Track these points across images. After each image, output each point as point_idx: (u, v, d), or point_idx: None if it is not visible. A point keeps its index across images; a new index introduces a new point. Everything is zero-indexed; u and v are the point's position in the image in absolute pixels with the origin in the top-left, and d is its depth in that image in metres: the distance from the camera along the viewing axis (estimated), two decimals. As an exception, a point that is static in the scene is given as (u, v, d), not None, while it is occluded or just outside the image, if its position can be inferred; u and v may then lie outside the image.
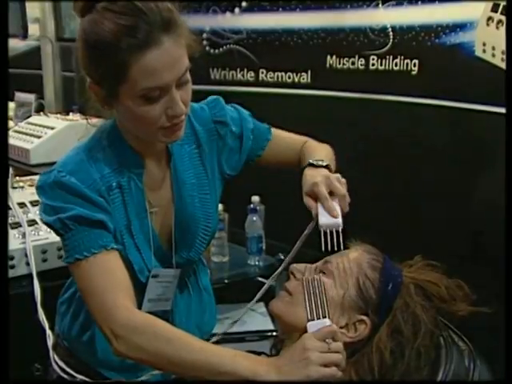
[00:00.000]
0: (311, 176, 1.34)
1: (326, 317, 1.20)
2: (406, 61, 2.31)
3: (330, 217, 1.25)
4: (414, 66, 2.28)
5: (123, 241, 1.33)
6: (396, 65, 2.34)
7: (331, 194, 1.29)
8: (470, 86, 2.12)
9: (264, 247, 2.64)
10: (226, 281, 2.52)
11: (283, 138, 1.57)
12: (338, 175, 1.33)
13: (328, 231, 1.25)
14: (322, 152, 1.48)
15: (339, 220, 1.25)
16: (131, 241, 1.35)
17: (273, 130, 1.57)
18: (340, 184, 1.30)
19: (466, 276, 1.31)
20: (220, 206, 2.46)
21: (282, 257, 2.51)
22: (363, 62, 2.45)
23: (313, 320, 1.20)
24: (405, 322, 1.20)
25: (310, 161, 1.40)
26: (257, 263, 2.61)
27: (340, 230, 1.25)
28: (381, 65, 2.39)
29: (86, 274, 1.23)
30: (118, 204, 1.33)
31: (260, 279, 2.63)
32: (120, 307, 1.18)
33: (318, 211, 1.27)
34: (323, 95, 2.64)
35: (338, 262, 1.28)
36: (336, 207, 1.27)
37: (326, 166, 1.38)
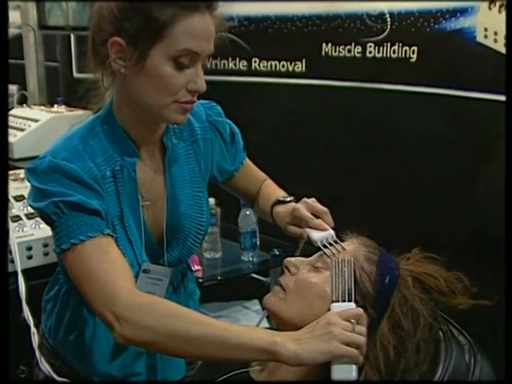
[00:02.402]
0: (285, 209, 1.47)
1: (351, 301, 1.21)
2: (404, 48, 2.32)
3: (320, 231, 1.35)
4: (413, 53, 2.29)
5: (115, 232, 1.34)
6: (394, 52, 2.35)
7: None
8: (471, 73, 2.13)
9: (258, 242, 2.66)
10: (218, 278, 2.53)
11: (252, 168, 1.66)
12: (313, 199, 1.42)
13: (324, 242, 1.32)
14: (281, 192, 1.59)
15: (330, 231, 1.35)
16: (123, 232, 1.37)
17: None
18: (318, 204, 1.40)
19: (467, 268, 1.32)
20: (212, 200, 2.48)
21: (277, 252, 2.53)
22: (360, 49, 2.46)
23: (337, 302, 1.21)
24: (404, 316, 1.22)
25: (279, 198, 1.52)
26: (251, 259, 2.63)
27: (334, 239, 1.33)
28: (378, 52, 2.41)
29: (83, 258, 1.23)
30: (111, 193, 1.35)
31: (254, 276, 2.65)
32: (122, 289, 1.18)
33: (307, 231, 1.37)
34: (318, 84, 2.65)
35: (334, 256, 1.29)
36: (322, 222, 1.37)
37: (292, 201, 1.50)
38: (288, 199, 1.52)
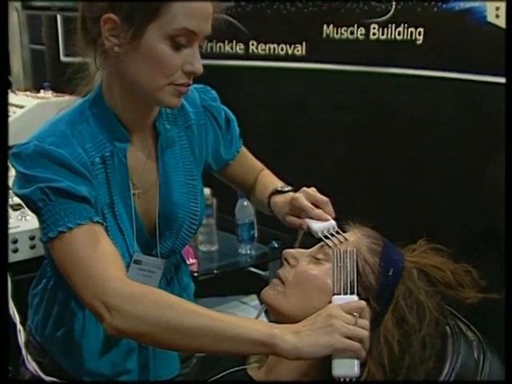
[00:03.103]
0: (283, 198, 1.48)
1: (353, 293, 1.21)
2: (410, 29, 2.31)
3: (321, 222, 1.35)
4: (419, 34, 2.29)
5: (105, 221, 1.34)
6: (399, 34, 2.35)
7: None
8: (481, 55, 2.12)
9: (256, 235, 2.66)
10: (214, 271, 2.53)
11: (249, 157, 1.66)
12: (313, 188, 1.42)
13: (325, 233, 1.32)
14: (279, 182, 1.60)
15: (332, 221, 1.35)
16: (113, 221, 1.37)
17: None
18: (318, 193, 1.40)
19: (475, 260, 1.32)
20: (207, 191, 2.48)
21: (276, 245, 2.53)
22: (363, 31, 2.46)
23: (339, 294, 1.21)
24: (409, 310, 1.22)
25: (277, 188, 1.53)
26: (248, 252, 2.63)
27: (336, 230, 1.33)
28: (382, 34, 2.40)
29: (71, 247, 1.23)
30: (101, 180, 1.35)
31: (252, 270, 2.65)
32: (113, 278, 1.18)
33: (307, 221, 1.37)
34: (319, 68, 2.65)
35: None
36: (323, 212, 1.37)
37: (290, 191, 1.50)
38: (286, 189, 1.53)
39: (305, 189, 1.42)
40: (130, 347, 1.50)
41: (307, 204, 1.38)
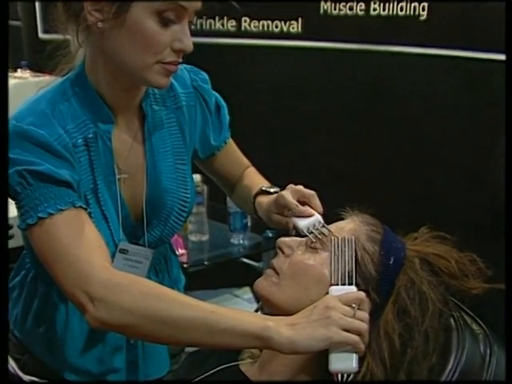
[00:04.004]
0: (269, 199, 1.48)
1: (352, 284, 1.22)
2: (413, 4, 2.30)
3: (305, 218, 1.37)
4: (423, 9, 2.28)
5: (88, 207, 1.34)
6: (401, 9, 2.34)
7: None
8: (489, 32, 2.11)
9: (249, 224, 2.66)
10: (205, 263, 2.54)
11: (236, 152, 1.67)
12: (300, 186, 1.43)
13: (311, 230, 1.33)
14: (265, 182, 1.60)
15: (317, 216, 1.36)
16: (97, 208, 1.37)
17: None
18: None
19: (481, 249, 1.32)
20: (198, 177, 2.48)
21: (270, 234, 2.54)
22: (363, 6, 2.45)
23: (336, 285, 1.22)
24: (411, 301, 1.22)
25: (263, 188, 1.54)
26: (241, 242, 2.64)
27: (322, 224, 1.34)
28: (383, 10, 2.39)
29: (52, 234, 1.22)
30: (83, 164, 1.34)
31: (245, 261, 2.66)
32: (97, 266, 1.18)
33: (293, 220, 1.39)
34: (316, 47, 2.64)
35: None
36: (307, 208, 1.38)
37: (277, 192, 1.50)
38: (273, 190, 1.53)
39: (291, 186, 1.43)
40: (118, 344, 1.50)
41: (292, 201, 1.39)
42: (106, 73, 1.33)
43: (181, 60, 1.31)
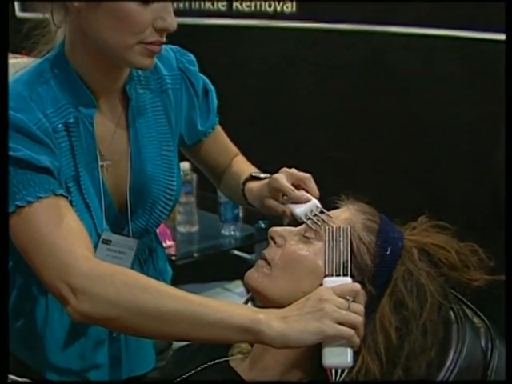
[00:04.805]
0: (260, 183, 1.48)
1: (347, 275, 1.22)
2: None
3: (302, 204, 1.37)
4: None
5: (70, 195, 1.34)
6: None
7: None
8: (496, 11, 2.11)
9: (241, 214, 2.67)
10: (195, 255, 2.55)
11: (224, 139, 1.67)
12: (293, 169, 1.43)
13: (309, 216, 1.33)
14: (254, 169, 1.61)
15: (314, 201, 1.36)
16: (79, 196, 1.37)
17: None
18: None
19: (483, 239, 1.33)
20: (186, 165, 2.48)
21: (263, 225, 2.54)
22: (360, -15, 2.45)
23: (331, 276, 1.22)
24: (408, 293, 1.23)
25: (253, 174, 1.54)
26: (232, 233, 2.65)
27: (320, 209, 1.34)
28: (381, -12, 2.39)
29: (31, 223, 1.22)
30: (64, 150, 1.34)
31: (236, 253, 2.66)
32: (79, 257, 1.18)
33: (289, 207, 1.39)
34: (311, 27, 2.64)
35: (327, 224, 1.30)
36: (303, 193, 1.38)
37: (267, 178, 1.50)
38: (262, 175, 1.53)
39: (285, 169, 1.43)
40: (100, 338, 1.50)
41: (287, 185, 1.39)
42: (87, 54, 1.33)
43: (164, 40, 1.30)
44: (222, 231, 2.67)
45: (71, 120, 1.35)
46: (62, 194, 1.26)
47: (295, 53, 2.73)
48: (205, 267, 2.64)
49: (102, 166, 1.40)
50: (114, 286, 1.15)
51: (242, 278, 1.34)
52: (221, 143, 1.66)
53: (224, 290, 2.76)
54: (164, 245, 1.79)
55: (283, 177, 1.40)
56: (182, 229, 2.67)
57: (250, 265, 1.33)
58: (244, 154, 1.69)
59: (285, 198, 1.40)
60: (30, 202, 1.22)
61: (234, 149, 1.69)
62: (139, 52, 1.28)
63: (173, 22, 1.28)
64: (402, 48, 2.40)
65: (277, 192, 1.41)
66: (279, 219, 1.45)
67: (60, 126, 1.33)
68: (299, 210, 1.36)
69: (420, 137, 2.37)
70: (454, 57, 2.28)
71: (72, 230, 1.22)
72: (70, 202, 1.30)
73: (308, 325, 1.09)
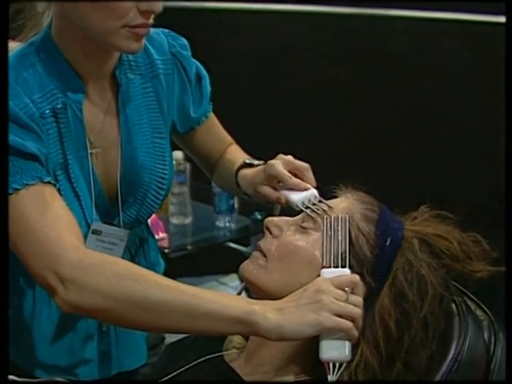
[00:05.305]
0: (255, 170, 1.48)
1: (345, 266, 1.22)
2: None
3: (299, 192, 1.36)
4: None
5: (58, 184, 1.34)
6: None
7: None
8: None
9: (236, 205, 2.66)
10: (188, 247, 2.55)
11: (218, 127, 1.67)
12: (290, 156, 1.42)
13: (307, 204, 1.33)
14: (249, 157, 1.60)
15: (313, 190, 1.36)
16: (68, 185, 1.37)
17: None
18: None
19: (486, 229, 1.33)
20: (180, 154, 2.49)
21: (259, 216, 2.54)
22: (359, -35, 2.44)
23: (329, 267, 1.22)
24: (409, 285, 1.23)
25: (246, 161, 1.53)
26: (227, 225, 2.65)
27: (319, 199, 1.34)
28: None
29: (18, 211, 1.22)
30: (52, 137, 1.34)
31: (232, 245, 2.66)
32: (67, 246, 1.18)
33: (284, 193, 1.38)
34: (309, 11, 2.63)
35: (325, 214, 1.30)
36: (301, 181, 1.37)
37: (261, 165, 1.49)
38: (256, 162, 1.53)
39: (281, 155, 1.43)
40: (89, 332, 1.50)
41: (284, 172, 1.39)
42: (73, 38, 1.33)
43: (151, 22, 1.29)
44: (217, 223, 2.67)
45: (59, 106, 1.34)
46: (49, 182, 1.26)
47: (289, 37, 2.72)
48: (199, 260, 2.64)
49: (91, 153, 1.40)
50: (103, 276, 1.15)
51: (237, 271, 1.34)
52: (214, 132, 1.66)
53: (219, 284, 2.76)
54: (156, 237, 1.79)
55: (280, 163, 1.40)
56: (174, 220, 2.67)
57: (245, 257, 1.33)
58: (238, 143, 1.69)
59: (280, 185, 1.40)
60: (16, 190, 1.22)
61: (228, 138, 1.69)
62: (125, 36, 1.28)
63: (158, 3, 1.27)
64: (403, 31, 2.40)
65: (272, 179, 1.41)
66: (273, 204, 1.45)
67: (47, 111, 1.33)
68: (296, 197, 1.36)
69: (421, 125, 2.37)
70: (459, 40, 2.27)
71: (60, 218, 1.22)
72: (59, 191, 1.30)
73: (305, 316, 1.09)
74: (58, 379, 1.41)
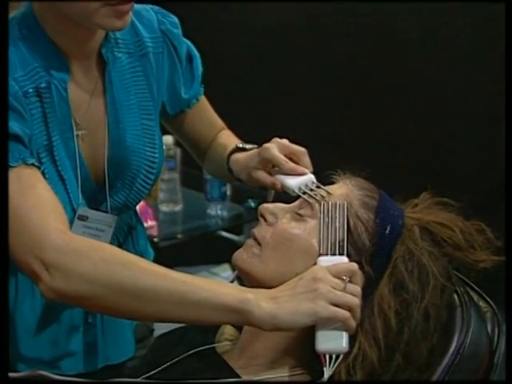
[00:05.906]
0: (248, 154, 1.48)
1: (343, 254, 1.22)
2: None
3: (296, 177, 1.36)
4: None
5: (42, 166, 1.33)
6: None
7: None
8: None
9: (228, 192, 2.66)
10: (178, 236, 2.55)
11: (209, 111, 1.67)
12: (285, 140, 1.42)
13: (304, 189, 1.32)
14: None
15: (310, 175, 1.36)
16: (53, 168, 1.37)
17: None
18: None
19: (490, 217, 1.33)
20: (170, 139, 2.48)
21: (253, 204, 2.54)
22: None
23: (326, 255, 1.22)
24: (409, 275, 1.23)
25: (239, 145, 1.53)
26: (219, 213, 2.65)
27: (316, 184, 1.34)
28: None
29: None
30: (36, 117, 1.34)
31: (224, 234, 2.66)
32: (52, 230, 1.18)
33: (280, 178, 1.38)
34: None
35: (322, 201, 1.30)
36: (298, 166, 1.37)
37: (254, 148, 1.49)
38: (249, 146, 1.52)
39: (277, 139, 1.42)
40: (74, 323, 1.50)
41: (279, 156, 1.38)
42: (55, 16, 1.32)
43: None
44: (208, 211, 2.67)
45: (43, 85, 1.34)
46: (33, 164, 1.26)
47: (290, 16, 2.71)
48: (189, 249, 2.64)
49: (77, 135, 1.39)
50: (90, 261, 1.14)
51: (229, 261, 1.33)
52: (206, 116, 1.65)
53: (210, 275, 2.76)
54: (145, 225, 1.79)
55: (275, 147, 1.39)
56: (164, 208, 2.67)
57: (238, 247, 1.32)
58: (231, 128, 1.68)
59: (275, 169, 1.39)
60: None
61: (219, 122, 1.68)
62: (107, 14, 1.27)
63: None
64: (409, 11, 2.40)
65: (267, 163, 1.41)
66: (267, 189, 1.44)
67: (31, 90, 1.33)
68: (293, 182, 1.35)
69: (421, 111, 2.37)
70: (466, 22, 2.27)
71: (44, 201, 1.22)
72: (43, 174, 1.30)
73: (300, 305, 1.09)
74: (43, 373, 1.42)
